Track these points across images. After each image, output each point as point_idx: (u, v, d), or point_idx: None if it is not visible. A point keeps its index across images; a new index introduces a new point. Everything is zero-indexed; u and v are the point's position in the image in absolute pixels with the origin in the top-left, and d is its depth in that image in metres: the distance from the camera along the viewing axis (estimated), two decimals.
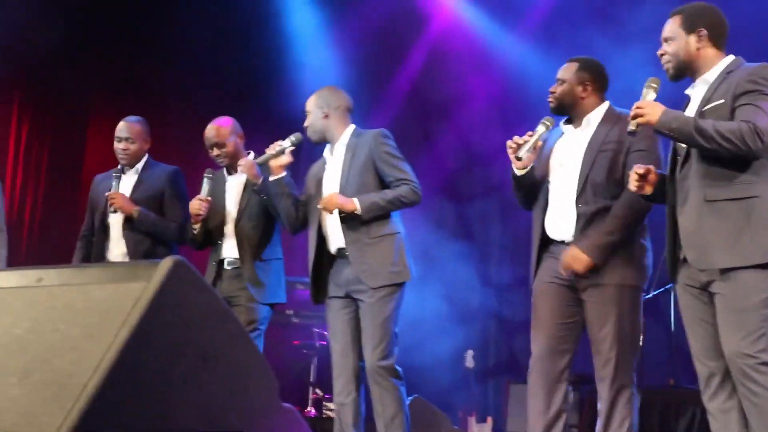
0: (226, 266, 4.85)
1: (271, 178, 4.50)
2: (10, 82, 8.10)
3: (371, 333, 4.23)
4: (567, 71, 4.03)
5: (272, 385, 2.10)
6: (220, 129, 4.90)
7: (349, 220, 4.28)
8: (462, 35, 8.05)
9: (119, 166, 5.13)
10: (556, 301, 3.94)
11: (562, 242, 3.93)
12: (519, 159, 3.96)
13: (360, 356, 4.35)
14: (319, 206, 4.32)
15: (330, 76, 7.78)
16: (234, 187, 4.95)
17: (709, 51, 3.48)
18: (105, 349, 1.79)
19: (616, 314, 3.79)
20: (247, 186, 4.88)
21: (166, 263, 1.90)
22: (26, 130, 8.30)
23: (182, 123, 8.26)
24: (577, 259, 3.78)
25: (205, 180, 4.87)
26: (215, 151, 4.89)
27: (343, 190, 4.32)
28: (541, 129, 3.98)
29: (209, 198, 4.82)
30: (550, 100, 4.04)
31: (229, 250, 4.86)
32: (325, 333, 7.09)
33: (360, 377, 4.36)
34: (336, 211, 4.29)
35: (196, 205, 4.78)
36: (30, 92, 8.29)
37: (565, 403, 3.91)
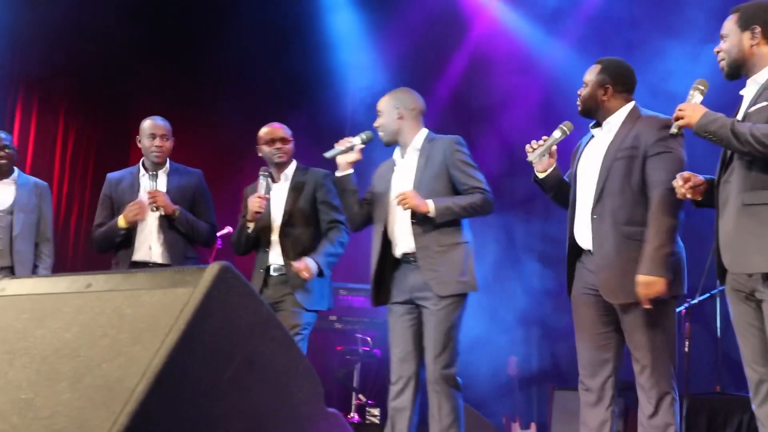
0: (272, 272, 4.88)
1: (337, 174, 4.49)
2: (57, 90, 8.22)
3: (434, 341, 4.21)
4: (590, 73, 3.97)
5: (318, 390, 2.10)
6: (285, 128, 4.99)
7: (420, 224, 4.26)
8: (504, 39, 8.03)
9: (141, 166, 5.13)
10: (592, 312, 3.90)
11: (589, 251, 3.89)
12: (531, 163, 3.99)
13: (419, 363, 4.33)
14: (395, 199, 4.25)
15: (372, 81, 7.80)
16: (279, 194, 4.98)
17: (764, 49, 3.39)
18: (153, 354, 1.80)
19: (645, 324, 3.73)
20: (291, 193, 4.91)
21: (212, 269, 1.91)
22: (72, 138, 8.41)
23: (224, 128, 8.33)
24: (653, 284, 3.64)
25: (262, 177, 4.89)
26: (277, 145, 4.91)
27: None
28: (557, 134, 3.98)
29: (268, 196, 4.85)
30: (577, 103, 4.01)
31: (275, 257, 4.88)
32: (368, 338, 7.12)
33: (418, 384, 4.33)
34: (408, 214, 4.28)
35: (257, 203, 4.79)
36: (76, 100, 8.40)
37: (610, 412, 3.87)
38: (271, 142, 4.94)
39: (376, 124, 4.49)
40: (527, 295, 7.82)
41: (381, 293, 4.45)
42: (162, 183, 5.07)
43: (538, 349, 7.84)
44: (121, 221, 4.92)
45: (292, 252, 4.84)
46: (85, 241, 8.27)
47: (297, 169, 5.04)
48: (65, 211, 8.29)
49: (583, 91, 3.95)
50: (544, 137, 4.00)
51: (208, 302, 1.86)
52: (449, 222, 4.28)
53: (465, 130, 7.98)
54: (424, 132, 4.48)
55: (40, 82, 7.99)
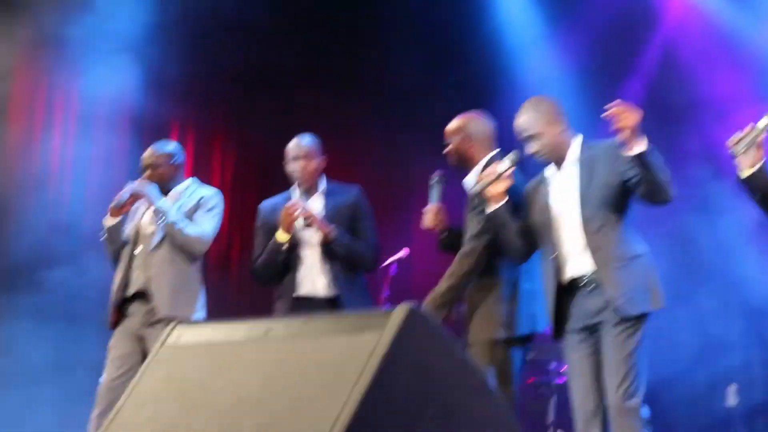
0: None
1: (490, 209, 4.37)
2: (213, 122, 8.54)
3: (615, 368, 4.13)
4: None
5: None
6: (454, 121, 4.83)
7: (594, 240, 4.18)
8: (702, 27, 7.81)
9: (295, 190, 5.17)
10: None
11: None
12: (734, 156, 3.74)
13: (603, 397, 4.25)
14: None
15: (554, 85, 7.72)
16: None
17: None
18: (340, 407, 1.83)
19: None
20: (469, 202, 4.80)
21: (399, 311, 1.93)
22: (231, 170, 8.69)
23: (386, 147, 8.45)
24: None
25: (433, 185, 4.81)
26: (447, 142, 4.80)
27: (583, 210, 4.20)
28: (763, 123, 3.74)
29: (437, 206, 4.75)
30: None
31: None
32: (563, 369, 7.02)
33: (605, 419, 4.25)
34: (580, 234, 4.23)
35: (427, 219, 4.73)
36: (233, 129, 8.70)
37: None
38: (446, 137, 4.84)
39: (536, 149, 4.32)
40: (746, 312, 7.54)
41: (560, 325, 4.35)
42: (317, 206, 5.11)
43: (762, 375, 7.52)
44: (280, 235, 4.99)
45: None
46: (249, 277, 8.50)
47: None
48: (226, 245, 8.53)
49: None
50: (751, 125, 3.78)
51: (397, 348, 1.88)
52: (621, 233, 4.18)
53: (663, 131, 7.80)
54: (579, 139, 4.38)
55: (193, 116, 8.34)
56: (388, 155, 8.52)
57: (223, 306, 7.81)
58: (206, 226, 5.33)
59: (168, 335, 2.38)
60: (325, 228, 4.95)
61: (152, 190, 5.24)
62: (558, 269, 4.30)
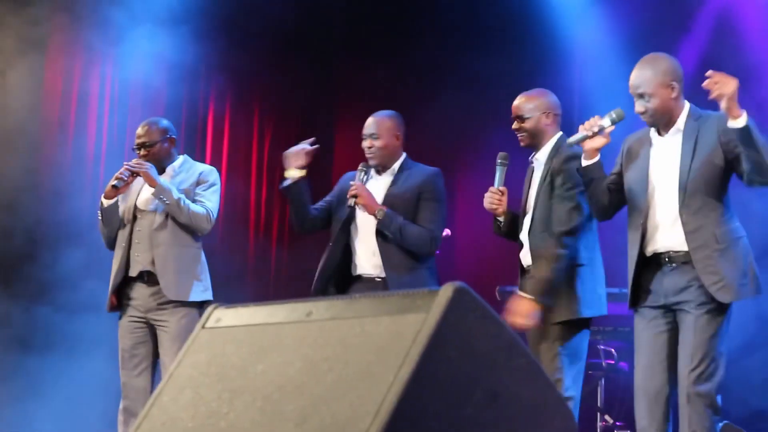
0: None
1: (584, 163, 4.30)
2: (250, 91, 8.54)
3: (692, 350, 4.06)
4: None
5: (570, 425, 2.08)
6: (522, 98, 4.76)
7: (692, 218, 4.10)
8: None
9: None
10: None
11: None
12: None
13: (670, 378, 4.19)
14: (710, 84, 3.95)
15: (603, 57, 7.66)
16: (536, 177, 4.74)
17: None
18: (384, 390, 1.83)
19: None
20: (544, 182, 4.64)
21: (446, 290, 1.92)
22: (268, 141, 8.70)
23: (437, 126, 8.43)
24: None
25: (498, 165, 4.77)
26: (515, 124, 4.73)
27: (684, 185, 4.12)
28: None
29: (502, 189, 4.72)
30: None
31: (524, 256, 4.71)
32: (612, 350, 6.98)
33: (669, 403, 4.18)
34: (675, 206, 4.14)
35: (487, 200, 4.70)
36: (270, 102, 8.70)
37: None
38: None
39: (640, 110, 4.20)
40: None
41: (633, 296, 4.29)
42: (383, 184, 5.07)
43: None
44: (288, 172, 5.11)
45: (536, 254, 4.60)
46: (288, 252, 8.54)
47: (553, 149, 4.67)
48: (264, 223, 8.57)
49: None
50: None
51: (443, 329, 1.87)
52: (722, 213, 4.12)
53: (715, 105, 7.71)
54: (686, 107, 4.27)
55: (231, 82, 8.34)
56: (431, 132, 8.51)
57: (266, 278, 7.91)
58: (210, 203, 5.36)
59: (207, 318, 2.39)
60: (372, 207, 4.91)
61: (152, 168, 5.25)
62: (643, 239, 4.24)
